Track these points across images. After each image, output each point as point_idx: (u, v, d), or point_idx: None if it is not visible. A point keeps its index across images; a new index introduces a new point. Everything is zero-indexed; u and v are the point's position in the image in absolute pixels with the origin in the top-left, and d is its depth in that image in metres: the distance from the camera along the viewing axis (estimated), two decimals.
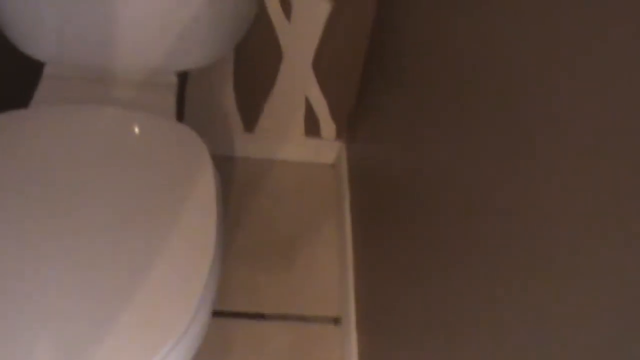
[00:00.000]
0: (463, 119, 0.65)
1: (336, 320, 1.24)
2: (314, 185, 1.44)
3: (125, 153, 0.88)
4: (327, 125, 1.42)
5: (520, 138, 0.52)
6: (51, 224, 0.79)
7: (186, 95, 1.32)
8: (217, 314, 1.20)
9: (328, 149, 1.47)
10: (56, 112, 0.92)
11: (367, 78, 1.23)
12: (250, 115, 1.39)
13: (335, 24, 1.22)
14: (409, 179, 0.85)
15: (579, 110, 0.44)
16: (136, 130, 0.91)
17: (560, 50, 0.47)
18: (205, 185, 0.85)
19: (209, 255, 0.78)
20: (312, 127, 1.42)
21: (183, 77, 1.29)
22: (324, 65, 1.29)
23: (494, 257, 0.55)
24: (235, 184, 1.42)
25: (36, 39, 0.98)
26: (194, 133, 0.92)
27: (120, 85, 1.00)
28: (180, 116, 1.30)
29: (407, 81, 0.90)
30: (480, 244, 0.58)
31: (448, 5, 0.73)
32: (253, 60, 1.27)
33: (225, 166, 1.45)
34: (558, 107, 0.46)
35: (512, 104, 0.54)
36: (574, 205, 0.43)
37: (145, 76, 1.01)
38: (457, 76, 0.68)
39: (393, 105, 0.98)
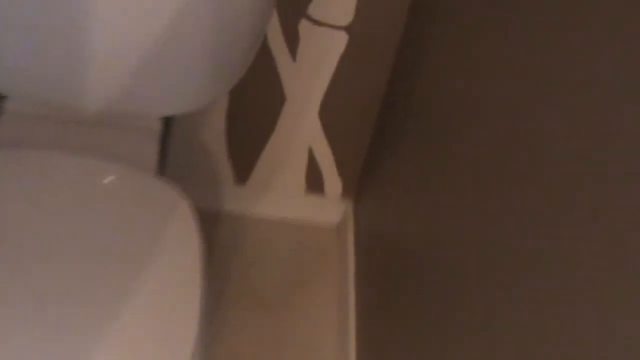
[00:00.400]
0: (486, 181, 0.68)
1: None
2: (314, 249, 1.44)
3: (94, 213, 0.87)
4: (333, 182, 1.42)
5: (544, 203, 0.55)
6: (9, 294, 0.78)
7: (170, 138, 1.33)
8: None
9: (332, 208, 1.47)
10: (13, 158, 0.91)
11: (380, 131, 1.25)
12: (242, 165, 1.38)
13: (349, 67, 1.23)
14: (425, 248, 0.87)
15: (613, 186, 0.47)
16: (108, 185, 0.91)
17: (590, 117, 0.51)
18: (188, 253, 0.85)
19: (193, 332, 0.78)
20: (314, 182, 1.42)
21: (168, 120, 1.27)
22: (333, 113, 1.30)
23: (518, 340, 0.57)
24: (223, 243, 1.42)
25: None
26: (176, 191, 0.91)
27: (93, 129, 1.00)
28: (162, 162, 1.27)
29: (426, 138, 0.92)
30: (502, 324, 0.60)
31: (473, 61, 0.77)
32: (250, 102, 1.28)
33: (212, 222, 1.45)
34: (588, 174, 0.50)
35: (537, 167, 0.58)
36: (601, 288, 0.47)
37: (123, 120, 1.01)
38: (480, 134, 0.72)
39: (409, 164, 1.00)
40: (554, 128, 0.56)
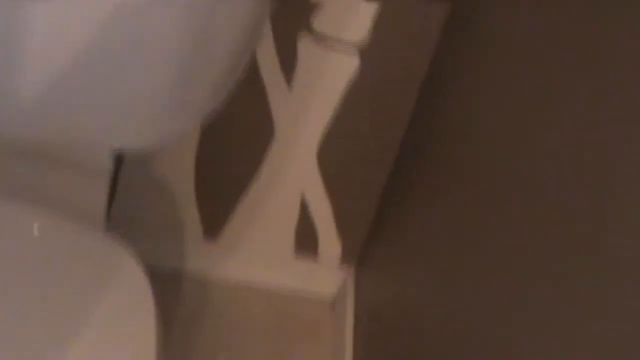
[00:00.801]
0: (521, 253, 0.73)
1: None
2: (303, 326, 1.40)
3: (20, 275, 0.85)
4: (330, 243, 1.38)
5: (569, 281, 0.62)
6: None
7: (121, 176, 1.31)
8: None
9: (328, 277, 1.42)
10: None
11: (395, 182, 1.25)
12: (214, 215, 1.34)
13: (359, 98, 1.21)
14: (438, 329, 0.89)
15: None
16: (40, 239, 0.89)
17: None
18: (138, 328, 0.84)
19: None
20: (306, 242, 1.37)
21: (119, 156, 1.28)
22: (335, 155, 1.27)
23: None
24: (186, 315, 1.36)
25: None
26: (125, 250, 0.89)
27: (28, 167, 0.98)
28: (108, 207, 1.27)
29: (452, 198, 0.96)
30: None
31: (522, 114, 0.82)
32: (229, 135, 1.25)
33: (172, 288, 1.40)
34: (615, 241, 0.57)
35: (560, 242, 0.65)
36: None
37: (65, 156, 0.99)
38: (511, 196, 0.78)
39: (427, 227, 1.03)
40: (588, 200, 0.63)
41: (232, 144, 1.25)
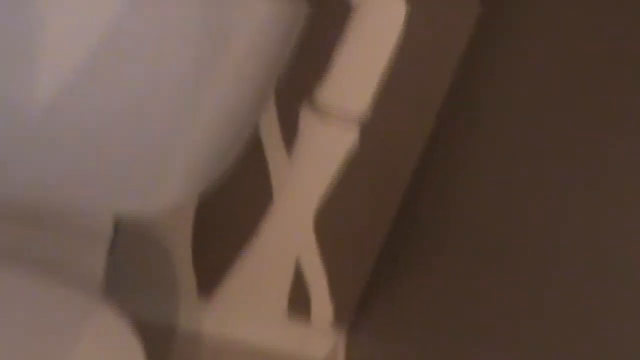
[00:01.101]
0: (522, 316, 0.72)
1: None
2: None
3: (8, 336, 0.82)
4: (322, 306, 1.36)
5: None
6: None
7: (117, 233, 1.31)
8: None
9: (319, 340, 1.40)
10: None
11: (390, 250, 1.24)
12: (209, 275, 1.33)
13: (358, 167, 1.22)
14: None
15: None
16: (33, 303, 0.87)
17: None
18: None
19: None
20: (299, 304, 1.36)
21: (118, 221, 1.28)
22: (331, 223, 1.28)
23: None
24: None
25: None
26: (123, 322, 0.88)
27: (26, 230, 0.96)
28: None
29: (447, 269, 0.95)
30: None
31: (520, 189, 0.82)
32: (227, 197, 1.25)
33: (165, 344, 1.37)
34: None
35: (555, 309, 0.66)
36: None
37: (65, 220, 0.97)
38: (510, 274, 0.77)
39: (422, 296, 1.02)
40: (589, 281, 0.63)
41: (231, 206, 1.25)
